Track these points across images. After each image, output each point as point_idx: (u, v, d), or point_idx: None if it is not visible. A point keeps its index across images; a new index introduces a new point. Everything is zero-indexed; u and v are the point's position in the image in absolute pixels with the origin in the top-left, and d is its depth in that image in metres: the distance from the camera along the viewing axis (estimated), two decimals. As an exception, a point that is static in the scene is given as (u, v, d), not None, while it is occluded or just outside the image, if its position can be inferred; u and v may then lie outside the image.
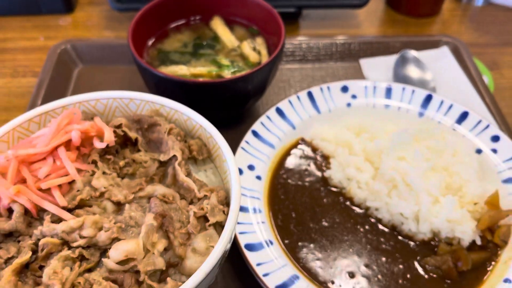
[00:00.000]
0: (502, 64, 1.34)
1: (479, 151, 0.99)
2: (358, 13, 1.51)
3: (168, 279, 0.65)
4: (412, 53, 1.25)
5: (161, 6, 1.08)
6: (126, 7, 1.36)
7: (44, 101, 1.09)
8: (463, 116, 1.04)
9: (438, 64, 1.26)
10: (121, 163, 0.77)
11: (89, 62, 1.25)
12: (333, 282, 0.81)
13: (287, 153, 1.01)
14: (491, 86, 1.26)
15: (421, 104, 1.07)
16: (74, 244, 0.66)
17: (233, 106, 1.02)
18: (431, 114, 1.06)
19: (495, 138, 0.99)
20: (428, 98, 1.07)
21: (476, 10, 1.55)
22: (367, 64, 1.28)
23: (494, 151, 0.98)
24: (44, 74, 1.17)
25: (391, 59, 1.28)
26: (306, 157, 1.01)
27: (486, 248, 0.87)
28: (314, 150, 1.03)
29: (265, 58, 1.06)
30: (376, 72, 1.26)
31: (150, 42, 1.08)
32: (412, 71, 1.21)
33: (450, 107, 1.05)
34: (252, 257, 0.79)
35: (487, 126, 1.01)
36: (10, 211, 0.69)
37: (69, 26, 1.42)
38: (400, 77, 1.21)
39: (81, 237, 0.66)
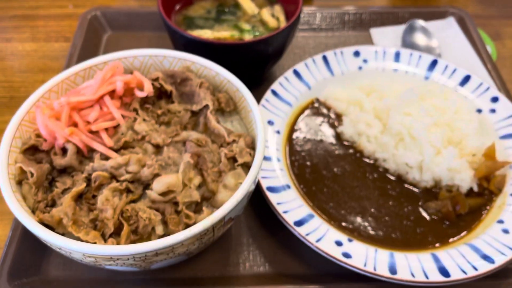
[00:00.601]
0: (504, 35, 1.41)
1: (479, 111, 1.07)
2: (369, -14, 1.57)
3: (204, 208, 0.75)
4: (420, 22, 1.31)
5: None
6: (149, -23, 1.44)
7: (78, 63, 1.17)
8: (466, 79, 1.11)
9: (444, 34, 1.33)
10: (159, 111, 0.86)
11: (118, 28, 1.33)
12: (345, 221, 0.91)
13: (303, 111, 1.10)
14: (493, 55, 1.33)
15: (427, 68, 1.14)
16: (121, 178, 0.75)
17: (254, 67, 1.11)
18: (436, 77, 1.13)
19: (495, 99, 1.07)
20: (434, 63, 1.14)
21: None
22: (377, 33, 1.35)
23: (493, 111, 1.06)
24: (76, 39, 1.24)
25: (400, 28, 1.34)
26: (321, 114, 1.10)
27: (483, 195, 0.95)
28: (328, 108, 1.11)
29: (283, 24, 1.14)
30: (385, 40, 1.33)
31: (176, 8, 1.17)
32: (419, 39, 1.28)
33: (454, 71, 1.12)
34: (273, 197, 0.88)
35: (488, 88, 1.08)
36: (63, 151, 0.79)
37: (96, -5, 1.50)
38: (407, 44, 1.28)
39: (127, 172, 0.76)
